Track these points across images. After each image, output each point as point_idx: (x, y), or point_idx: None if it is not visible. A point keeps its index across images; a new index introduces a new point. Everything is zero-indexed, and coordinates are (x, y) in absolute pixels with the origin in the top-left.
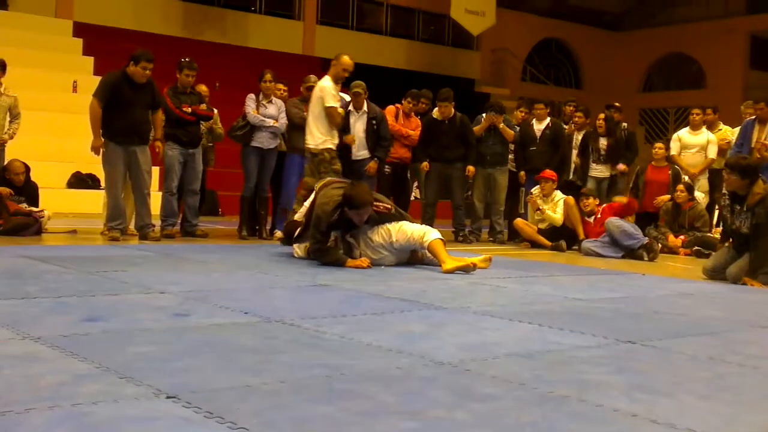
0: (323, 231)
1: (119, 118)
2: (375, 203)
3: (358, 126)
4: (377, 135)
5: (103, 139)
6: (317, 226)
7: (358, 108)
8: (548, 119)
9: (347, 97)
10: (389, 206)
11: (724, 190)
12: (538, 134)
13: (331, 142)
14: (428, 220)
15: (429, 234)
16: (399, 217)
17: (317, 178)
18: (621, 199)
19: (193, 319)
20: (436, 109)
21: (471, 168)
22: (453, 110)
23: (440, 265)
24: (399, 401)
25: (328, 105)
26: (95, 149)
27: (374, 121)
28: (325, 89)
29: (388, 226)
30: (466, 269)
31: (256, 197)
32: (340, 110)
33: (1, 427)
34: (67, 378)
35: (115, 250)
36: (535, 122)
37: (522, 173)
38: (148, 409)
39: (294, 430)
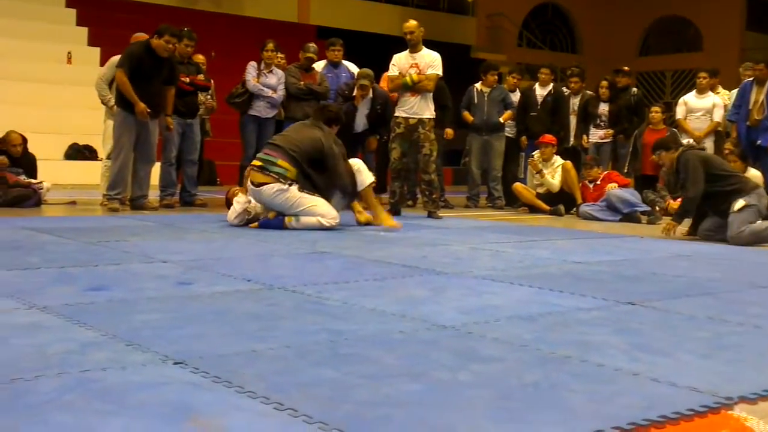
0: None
1: (137, 89)
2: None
3: (362, 110)
4: (381, 116)
5: (143, 104)
6: (341, 153)
7: (364, 96)
8: (551, 85)
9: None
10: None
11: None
12: (540, 99)
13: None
14: (411, 188)
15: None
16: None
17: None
18: (623, 180)
19: (196, 288)
20: None
21: (449, 131)
22: None
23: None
24: (402, 364)
25: None
26: (141, 113)
27: (378, 106)
28: None
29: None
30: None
31: None
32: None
33: (12, 394)
34: (75, 346)
35: (115, 220)
36: (537, 87)
37: (524, 138)
38: (156, 375)
39: (300, 394)
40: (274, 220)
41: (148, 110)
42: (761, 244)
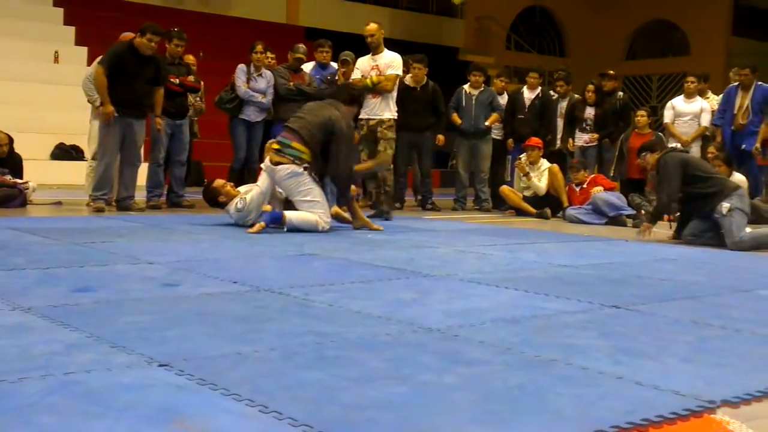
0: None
1: (121, 89)
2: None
3: None
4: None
5: (112, 107)
6: (351, 135)
7: (346, 78)
8: (539, 89)
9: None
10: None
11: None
12: (528, 102)
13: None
14: (399, 191)
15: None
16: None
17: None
18: (609, 183)
19: (183, 289)
20: (409, 75)
21: (441, 137)
22: (426, 77)
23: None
24: (388, 367)
25: None
26: (106, 115)
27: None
28: None
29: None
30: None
31: (244, 169)
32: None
33: None
34: (59, 347)
35: (102, 221)
36: (526, 90)
37: (510, 141)
38: (141, 376)
39: (286, 396)
40: (274, 213)
41: (117, 112)
42: (762, 250)
